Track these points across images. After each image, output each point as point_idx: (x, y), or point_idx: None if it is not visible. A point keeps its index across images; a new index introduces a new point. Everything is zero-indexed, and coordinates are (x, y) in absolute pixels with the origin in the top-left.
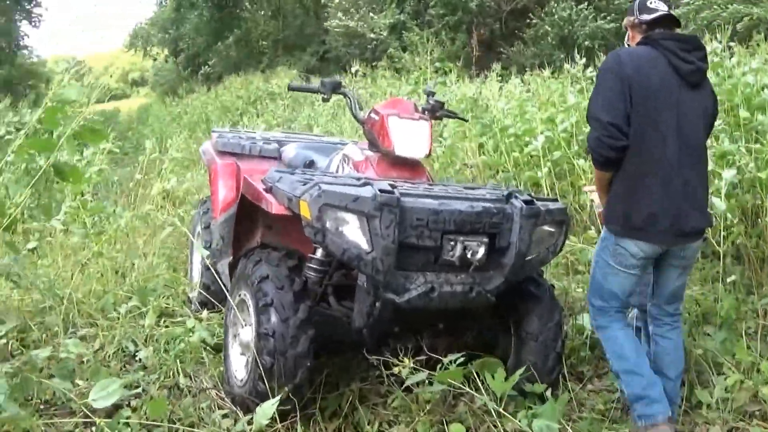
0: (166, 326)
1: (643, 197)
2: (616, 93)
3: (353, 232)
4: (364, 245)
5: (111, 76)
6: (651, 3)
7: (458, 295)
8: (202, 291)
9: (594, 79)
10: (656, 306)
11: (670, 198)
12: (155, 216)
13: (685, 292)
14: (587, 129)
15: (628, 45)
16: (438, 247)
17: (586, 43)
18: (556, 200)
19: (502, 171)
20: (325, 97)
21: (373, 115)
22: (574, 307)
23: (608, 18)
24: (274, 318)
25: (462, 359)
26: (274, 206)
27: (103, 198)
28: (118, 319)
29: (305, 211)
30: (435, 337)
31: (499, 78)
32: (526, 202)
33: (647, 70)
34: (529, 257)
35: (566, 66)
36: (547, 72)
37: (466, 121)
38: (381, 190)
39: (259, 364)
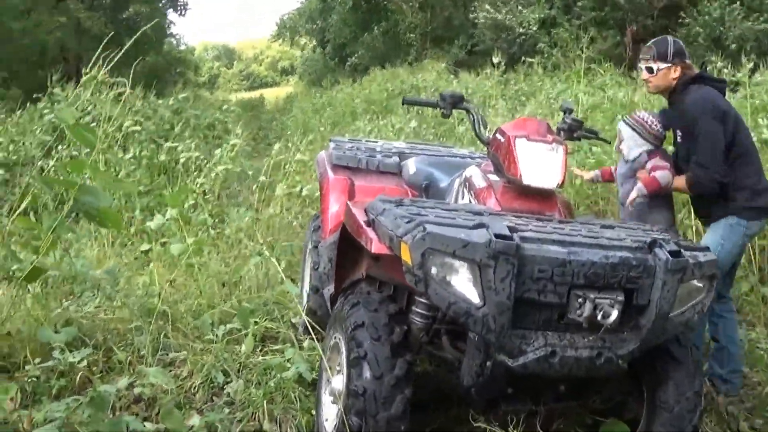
0: (267, 352)
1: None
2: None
3: (462, 283)
4: (475, 299)
5: (260, 64)
6: None
7: (583, 361)
8: (306, 317)
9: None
10: (724, 285)
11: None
12: (281, 218)
13: None
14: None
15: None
16: (564, 304)
17: (733, 46)
18: (706, 249)
19: None
20: (445, 112)
21: (498, 135)
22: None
23: (761, 19)
24: (366, 374)
25: None
26: (374, 244)
27: (233, 194)
28: (213, 342)
29: (406, 255)
30: (556, 401)
31: None
32: (672, 253)
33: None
34: (672, 318)
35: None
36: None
37: (608, 142)
38: (497, 235)
39: (346, 424)
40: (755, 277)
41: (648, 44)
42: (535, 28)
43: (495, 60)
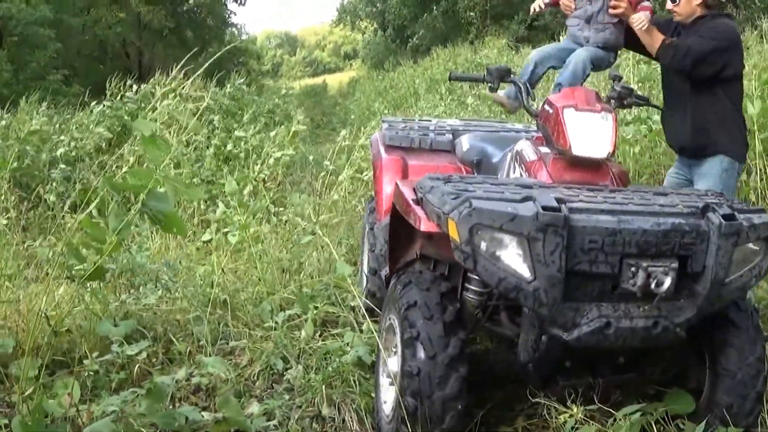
0: (331, 336)
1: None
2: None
3: (511, 257)
4: (525, 273)
5: (323, 50)
6: None
7: (639, 331)
8: (365, 299)
9: None
10: None
11: None
12: (342, 204)
13: None
14: None
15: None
16: (616, 274)
17: None
18: (762, 211)
19: None
20: (492, 86)
21: (547, 107)
22: None
23: None
24: (420, 354)
25: (638, 414)
26: (423, 222)
27: (296, 181)
28: (274, 329)
29: (453, 232)
30: (614, 374)
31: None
32: (725, 216)
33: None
34: (728, 283)
35: None
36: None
37: (660, 108)
38: (545, 207)
39: (402, 406)
40: None
41: None
42: None
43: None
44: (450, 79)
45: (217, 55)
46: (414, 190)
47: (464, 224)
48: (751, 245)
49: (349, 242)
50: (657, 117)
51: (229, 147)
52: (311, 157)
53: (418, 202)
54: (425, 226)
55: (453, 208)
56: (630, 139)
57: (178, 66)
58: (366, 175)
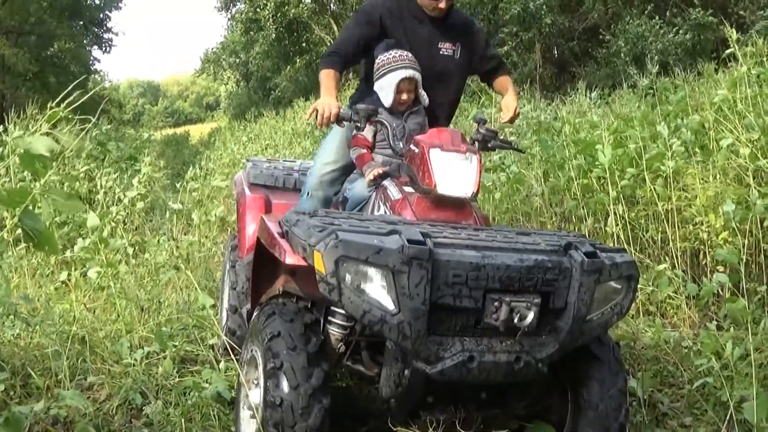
0: (190, 373)
1: None
2: None
3: (376, 290)
4: (389, 306)
5: (185, 100)
6: None
7: (502, 366)
8: (225, 337)
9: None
10: None
11: None
12: (197, 246)
13: None
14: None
15: None
16: (479, 308)
17: (657, 58)
18: (623, 251)
19: (572, 198)
20: (360, 125)
21: (413, 147)
22: (642, 356)
23: (680, 32)
24: (283, 384)
25: None
26: (288, 255)
27: (156, 227)
28: (132, 365)
29: (319, 264)
30: (478, 409)
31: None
32: (587, 254)
33: None
34: (590, 319)
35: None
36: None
37: (522, 152)
38: (410, 241)
39: None
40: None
41: None
42: None
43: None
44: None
45: (81, 100)
46: (279, 224)
47: (330, 256)
48: (613, 283)
49: (208, 284)
50: (515, 166)
51: (85, 188)
52: (171, 203)
53: (284, 235)
54: (290, 258)
55: (319, 240)
56: (490, 186)
57: (46, 106)
58: (218, 215)
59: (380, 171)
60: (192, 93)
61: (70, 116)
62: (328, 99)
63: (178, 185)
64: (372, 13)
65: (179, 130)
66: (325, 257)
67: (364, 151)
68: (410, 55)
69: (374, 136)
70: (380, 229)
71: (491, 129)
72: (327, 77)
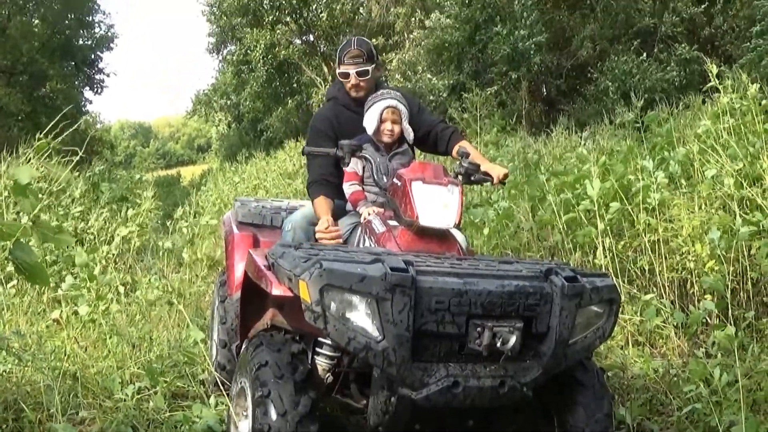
0: (180, 408)
1: None
2: None
3: (360, 317)
4: (374, 333)
5: (177, 142)
6: None
7: (487, 391)
8: (215, 371)
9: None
10: None
11: None
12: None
13: None
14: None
15: None
16: (463, 334)
17: (644, 95)
18: (604, 275)
19: (559, 232)
20: (345, 160)
21: (396, 180)
22: (631, 386)
23: (668, 68)
24: (271, 412)
25: None
26: (273, 286)
27: (148, 265)
28: (123, 401)
29: (304, 293)
30: None
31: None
32: (568, 279)
33: None
34: (573, 343)
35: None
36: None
37: (504, 185)
38: (393, 268)
39: None
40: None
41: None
42: (445, 95)
43: None
44: (303, 154)
45: (68, 131)
46: (266, 257)
47: (315, 285)
48: (594, 307)
49: (198, 321)
50: (504, 201)
51: (80, 228)
52: (161, 243)
53: (270, 267)
54: (276, 290)
55: (304, 270)
56: (478, 222)
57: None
58: (206, 252)
59: (375, 211)
60: (183, 134)
61: (58, 147)
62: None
63: (169, 224)
64: (323, 129)
65: (171, 172)
66: (310, 286)
67: (359, 188)
68: (398, 93)
69: (363, 169)
70: (363, 258)
71: (474, 162)
72: (320, 203)
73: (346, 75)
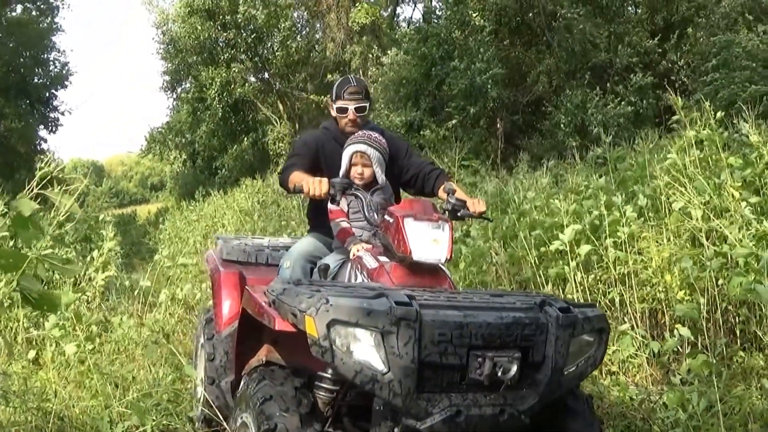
0: None
1: None
2: None
3: (366, 351)
4: (380, 366)
5: (130, 181)
6: None
7: (488, 419)
8: (204, 408)
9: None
10: None
11: None
12: (163, 323)
13: None
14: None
15: None
16: (464, 365)
17: (597, 130)
18: (593, 306)
19: (530, 267)
20: (336, 198)
21: (387, 217)
22: (610, 414)
23: (623, 103)
24: None
25: None
26: (277, 322)
27: (113, 305)
28: None
29: (311, 328)
30: None
31: (525, 169)
32: (561, 309)
33: None
34: (567, 371)
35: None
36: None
37: (490, 221)
38: (397, 302)
39: None
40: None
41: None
42: (402, 131)
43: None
44: (290, 192)
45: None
46: (265, 293)
47: (321, 320)
48: (585, 336)
49: (173, 360)
50: (479, 239)
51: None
52: (127, 283)
53: (270, 304)
54: (280, 325)
55: (310, 305)
56: (458, 258)
57: None
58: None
59: (365, 247)
60: (136, 173)
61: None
62: (313, 177)
63: (135, 262)
64: (309, 142)
65: (125, 210)
66: (317, 321)
67: (347, 225)
68: (372, 134)
69: (348, 206)
70: (365, 293)
71: (460, 198)
72: (297, 174)
73: (344, 110)
